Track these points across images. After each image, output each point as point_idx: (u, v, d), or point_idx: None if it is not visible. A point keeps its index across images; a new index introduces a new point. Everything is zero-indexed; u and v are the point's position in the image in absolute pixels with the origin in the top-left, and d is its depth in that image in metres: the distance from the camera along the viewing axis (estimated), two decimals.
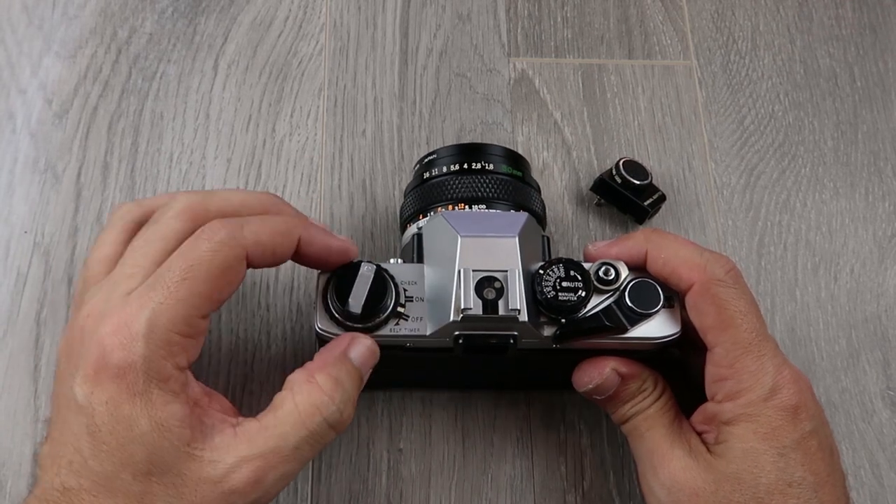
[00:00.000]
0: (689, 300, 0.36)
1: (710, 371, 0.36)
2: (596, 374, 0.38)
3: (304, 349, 0.45)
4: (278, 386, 0.44)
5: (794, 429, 0.34)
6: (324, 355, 0.35)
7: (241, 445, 0.32)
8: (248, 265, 0.34)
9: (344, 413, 0.34)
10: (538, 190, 0.44)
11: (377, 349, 0.36)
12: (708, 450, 0.35)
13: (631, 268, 0.37)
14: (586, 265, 0.37)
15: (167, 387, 0.31)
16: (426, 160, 0.43)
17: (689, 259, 0.36)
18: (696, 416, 0.37)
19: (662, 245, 0.37)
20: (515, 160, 0.43)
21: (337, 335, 0.35)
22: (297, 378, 0.34)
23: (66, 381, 0.32)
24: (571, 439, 0.44)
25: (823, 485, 0.34)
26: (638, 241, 0.37)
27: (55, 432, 0.33)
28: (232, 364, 0.44)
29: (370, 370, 0.36)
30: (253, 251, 0.34)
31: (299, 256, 0.36)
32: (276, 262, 0.35)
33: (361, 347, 0.35)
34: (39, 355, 0.44)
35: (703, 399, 0.37)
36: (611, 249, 0.38)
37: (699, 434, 0.37)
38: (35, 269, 0.46)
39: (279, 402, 0.34)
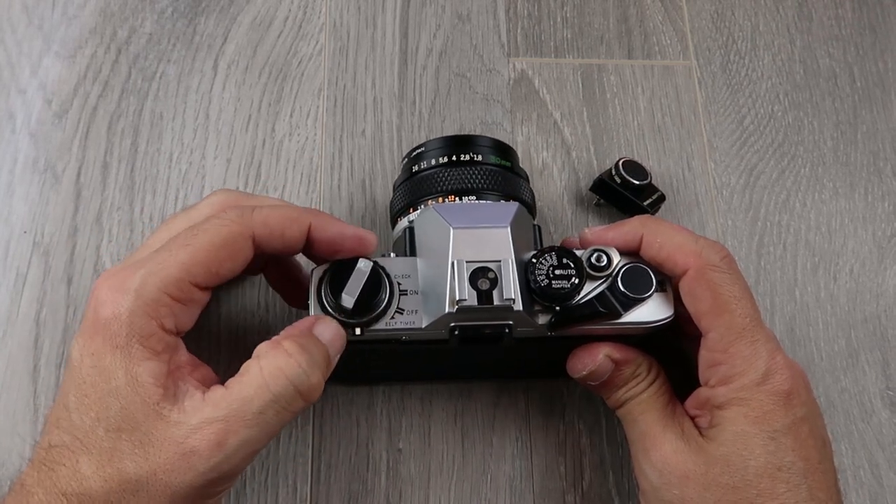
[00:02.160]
0: (684, 285, 0.36)
1: (704, 356, 0.36)
2: (589, 361, 0.38)
3: None
4: None
5: (786, 413, 0.34)
6: (289, 329, 0.35)
7: (206, 408, 0.32)
8: (258, 249, 0.35)
9: (311, 377, 0.33)
10: (527, 179, 0.44)
11: (343, 333, 0.35)
12: (700, 433, 0.36)
13: (623, 253, 0.37)
14: (578, 252, 0.37)
15: (148, 343, 0.32)
16: (414, 153, 0.43)
17: (684, 245, 0.36)
18: (690, 402, 0.37)
19: (658, 231, 0.37)
20: (503, 150, 0.43)
21: None
22: (263, 346, 0.34)
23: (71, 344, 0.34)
24: (571, 439, 0.44)
25: (814, 471, 0.34)
26: (634, 226, 0.38)
27: (56, 397, 0.34)
28: (231, 364, 0.44)
29: (338, 353, 0.35)
30: (260, 232, 0.34)
31: (314, 245, 0.36)
32: (287, 249, 0.36)
33: (327, 327, 0.35)
34: (39, 355, 0.44)
35: (697, 385, 0.37)
36: (606, 234, 0.38)
37: (692, 419, 0.37)
38: (34, 269, 0.46)
39: (245, 368, 0.33)
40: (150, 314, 0.32)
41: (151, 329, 0.32)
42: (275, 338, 0.34)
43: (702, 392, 0.36)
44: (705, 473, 0.34)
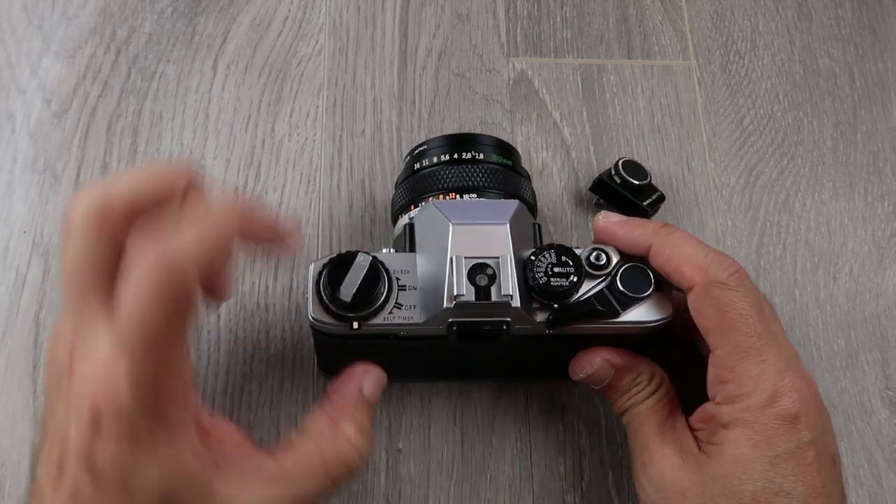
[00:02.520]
0: (691, 301, 0.36)
1: (712, 372, 0.36)
2: (587, 364, 0.38)
3: (303, 349, 0.45)
4: (278, 384, 0.44)
5: (791, 438, 0.33)
6: (343, 399, 0.35)
7: (261, 488, 0.31)
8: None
9: (365, 459, 0.34)
10: (529, 179, 0.44)
11: (384, 378, 0.37)
12: (700, 448, 0.35)
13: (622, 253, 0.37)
14: (577, 251, 0.37)
15: (171, 425, 0.29)
16: (417, 151, 0.43)
17: (692, 258, 0.36)
18: (696, 415, 0.37)
19: (667, 241, 0.36)
20: (506, 150, 0.43)
21: (330, 324, 0.36)
22: (319, 425, 0.34)
23: (61, 422, 0.30)
24: (570, 439, 0.44)
25: (816, 496, 0.33)
26: (645, 232, 0.37)
27: (45, 477, 0.30)
28: (231, 364, 0.44)
29: (377, 400, 0.37)
30: (198, 274, 0.29)
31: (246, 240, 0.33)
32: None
33: (373, 380, 0.36)
34: (38, 355, 0.44)
35: (706, 397, 0.37)
36: (617, 230, 0.37)
37: (694, 432, 0.36)
38: (34, 269, 0.46)
39: (301, 447, 0.33)
40: (158, 397, 0.29)
41: (166, 410, 0.29)
42: (327, 409, 0.34)
43: (708, 407, 0.36)
44: (702, 493, 0.34)
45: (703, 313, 0.35)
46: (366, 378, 0.36)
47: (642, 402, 0.38)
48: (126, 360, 0.28)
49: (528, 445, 0.44)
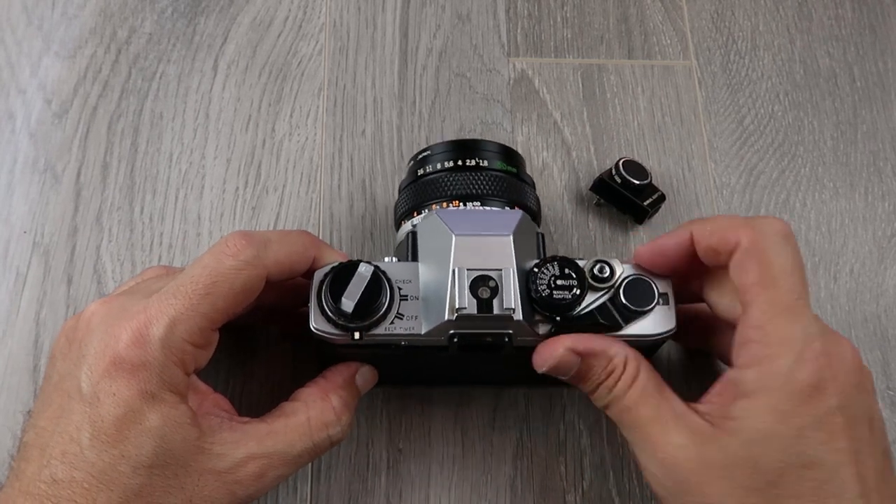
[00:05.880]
0: (734, 260, 0.34)
1: (739, 333, 0.34)
2: (548, 356, 0.35)
3: (303, 349, 0.45)
4: (277, 386, 0.44)
5: (818, 405, 0.31)
6: (335, 377, 0.38)
7: (251, 443, 0.34)
8: (267, 281, 0.35)
9: (345, 432, 0.37)
10: (533, 186, 0.44)
11: (376, 377, 0.40)
12: (714, 424, 0.33)
13: (626, 263, 0.37)
14: (581, 262, 0.36)
15: (177, 389, 0.33)
16: (420, 156, 0.43)
17: (735, 221, 0.34)
18: (714, 389, 0.34)
19: (707, 221, 0.36)
20: (510, 156, 0.43)
21: (332, 334, 0.35)
22: (311, 393, 0.37)
23: (68, 372, 0.33)
24: (571, 439, 0.44)
25: (848, 464, 0.31)
26: (681, 227, 0.36)
27: (44, 421, 0.33)
28: (231, 363, 0.44)
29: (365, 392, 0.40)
30: (273, 270, 0.35)
31: (308, 274, 0.37)
32: (291, 278, 0.37)
33: (366, 374, 0.39)
34: (38, 355, 0.44)
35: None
36: (656, 242, 0.37)
37: (699, 410, 0.34)
38: (34, 269, 0.46)
39: (290, 410, 0.36)
40: (177, 363, 0.33)
41: (179, 377, 0.33)
42: (320, 383, 0.38)
43: (730, 375, 0.34)
44: (723, 474, 0.32)
45: (745, 269, 0.33)
46: (360, 370, 0.39)
47: (625, 395, 0.35)
48: (169, 317, 0.32)
49: (528, 446, 0.44)
